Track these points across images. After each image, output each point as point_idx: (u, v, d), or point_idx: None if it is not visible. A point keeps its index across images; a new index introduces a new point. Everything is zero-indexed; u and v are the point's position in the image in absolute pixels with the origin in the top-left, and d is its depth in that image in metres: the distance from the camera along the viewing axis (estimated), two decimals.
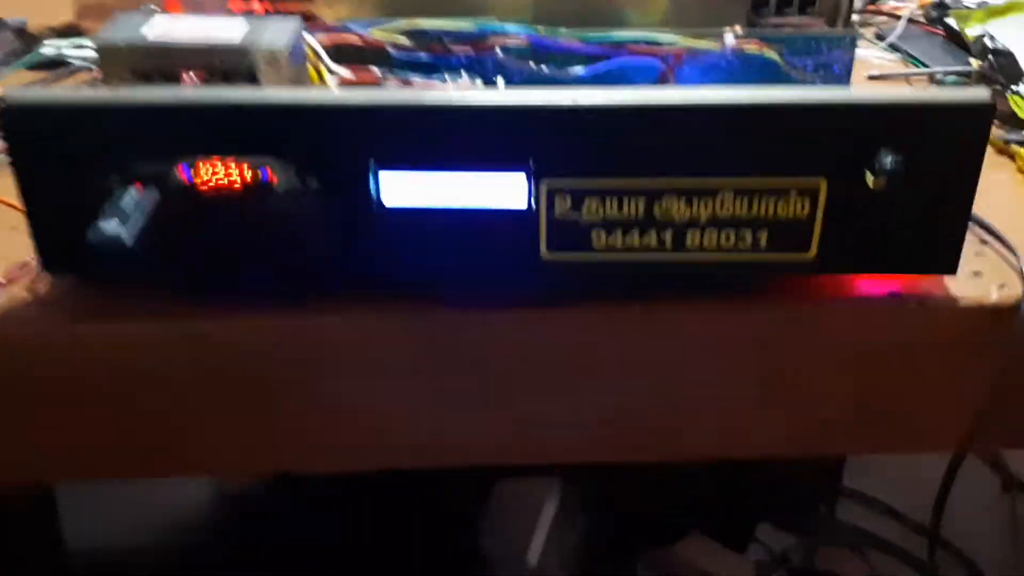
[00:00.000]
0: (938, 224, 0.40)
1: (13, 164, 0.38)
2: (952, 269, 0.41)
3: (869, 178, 0.37)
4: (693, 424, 0.46)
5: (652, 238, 0.40)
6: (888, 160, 0.37)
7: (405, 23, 0.48)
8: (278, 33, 0.43)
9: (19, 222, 0.46)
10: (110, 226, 0.35)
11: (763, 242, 0.40)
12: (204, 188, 0.38)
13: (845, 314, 0.42)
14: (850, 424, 0.46)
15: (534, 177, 0.38)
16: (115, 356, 0.41)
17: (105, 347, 0.41)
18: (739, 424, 0.46)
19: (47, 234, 0.40)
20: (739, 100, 0.37)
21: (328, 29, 0.48)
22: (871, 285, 0.42)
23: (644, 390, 0.44)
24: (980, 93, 0.37)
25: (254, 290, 0.40)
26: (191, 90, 0.38)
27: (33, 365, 0.41)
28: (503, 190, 0.39)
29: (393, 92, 0.37)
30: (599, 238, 0.40)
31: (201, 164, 0.38)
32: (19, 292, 0.42)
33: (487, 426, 0.45)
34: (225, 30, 0.43)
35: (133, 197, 0.37)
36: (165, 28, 0.44)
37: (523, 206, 0.39)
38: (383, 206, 0.39)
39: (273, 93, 0.39)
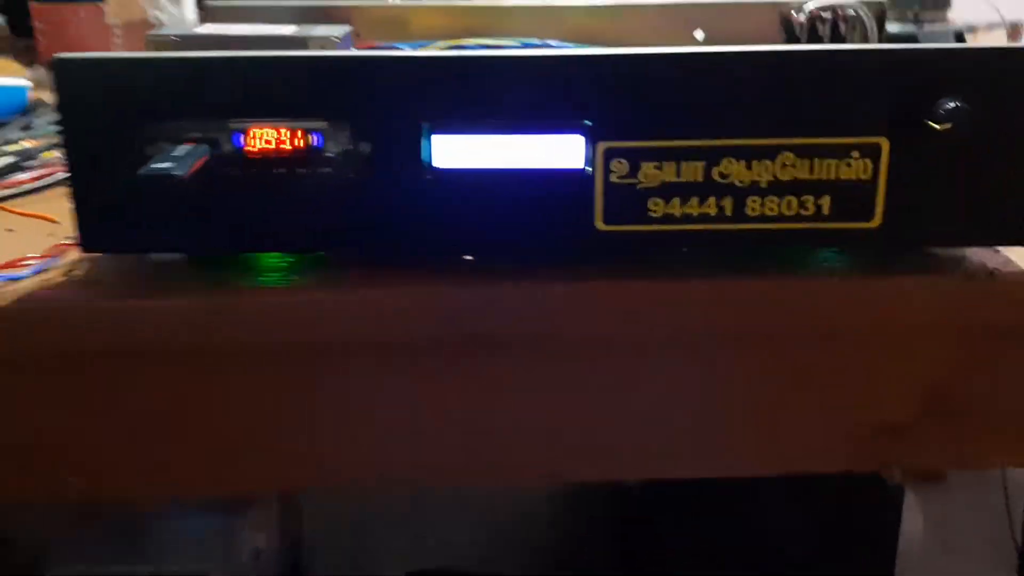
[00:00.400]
0: (1003, 189, 0.39)
1: (62, 129, 0.38)
2: (1021, 239, 0.39)
3: (933, 124, 0.37)
4: (743, 434, 0.43)
5: (711, 206, 0.39)
6: (950, 105, 0.36)
7: (450, 42, 0.49)
8: (330, 29, 0.44)
9: (54, 229, 0.45)
10: (163, 164, 0.34)
11: (826, 209, 0.39)
12: (256, 152, 0.38)
13: (909, 292, 0.40)
14: (920, 427, 0.43)
15: (591, 139, 0.38)
16: (139, 333, 0.39)
17: (128, 324, 0.39)
18: (794, 432, 0.43)
19: (90, 206, 0.39)
20: (796, 49, 0.37)
21: (374, 47, 0.49)
22: (937, 260, 0.41)
23: (685, 394, 0.42)
24: (1017, 32, 0.37)
25: (301, 253, 0.39)
26: (244, 51, 0.38)
27: (59, 342, 0.39)
28: (560, 153, 0.38)
29: (447, 46, 0.37)
30: (656, 206, 0.39)
31: (253, 128, 0.38)
32: (54, 274, 0.40)
33: (514, 435, 0.43)
34: (277, 28, 0.44)
35: (184, 148, 0.36)
36: (217, 28, 0.44)
37: (578, 165, 0.38)
38: (434, 167, 0.38)
39: (327, 52, 0.39)
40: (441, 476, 0.44)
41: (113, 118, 0.37)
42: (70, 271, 0.40)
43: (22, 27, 0.90)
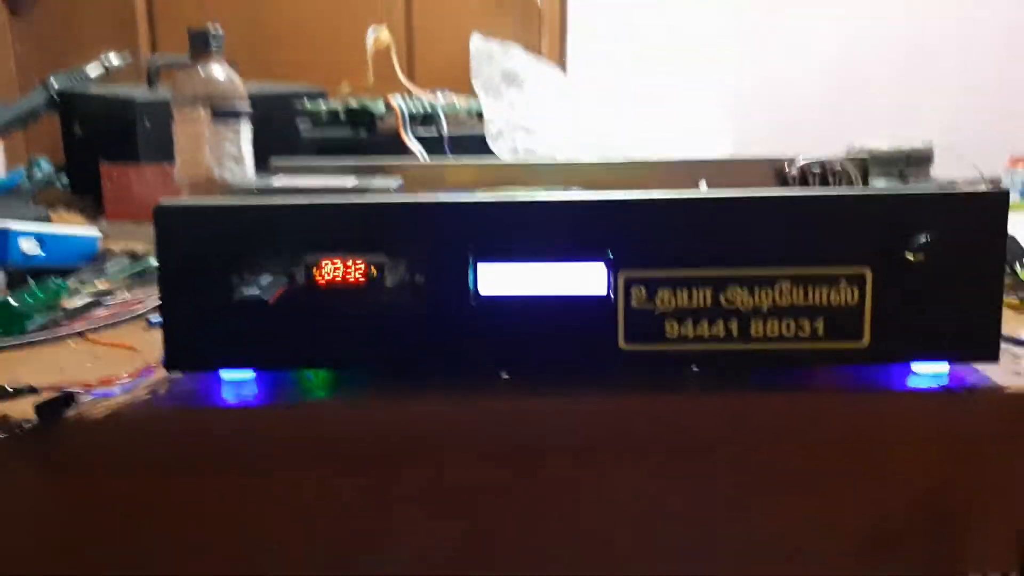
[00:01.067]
0: (975, 312, 0.44)
1: (159, 263, 0.44)
2: (994, 356, 0.45)
3: (909, 255, 0.43)
4: (750, 539, 0.48)
5: (720, 327, 0.44)
6: (923, 238, 0.42)
7: (488, 190, 0.55)
8: (387, 180, 0.51)
9: (133, 356, 0.51)
10: (253, 290, 0.40)
11: (820, 331, 0.44)
12: (325, 282, 0.44)
13: (897, 406, 0.45)
14: (913, 533, 0.47)
15: (613, 268, 0.44)
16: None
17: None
18: (800, 538, 0.47)
19: (176, 330, 0.44)
20: (789, 193, 0.44)
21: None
22: (920, 379, 0.46)
23: (691, 500, 0.47)
24: (997, 187, 0.44)
25: (361, 372, 0.45)
26: (317, 198, 0.44)
27: (144, 451, 0.44)
28: (586, 280, 0.44)
29: (489, 193, 0.44)
30: (672, 328, 0.44)
31: (324, 261, 0.44)
32: (141, 391, 0.46)
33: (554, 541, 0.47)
34: (340, 180, 0.51)
35: (268, 278, 0.42)
36: (288, 180, 0.51)
37: (603, 292, 0.44)
38: (479, 295, 0.44)
39: (387, 198, 0.46)
40: None
41: (203, 254, 0.44)
42: (155, 389, 0.46)
43: (83, 186, 0.98)
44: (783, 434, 0.46)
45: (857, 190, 0.46)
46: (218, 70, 0.68)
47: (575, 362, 0.45)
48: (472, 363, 0.45)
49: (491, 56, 0.75)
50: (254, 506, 0.46)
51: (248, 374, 0.46)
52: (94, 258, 0.70)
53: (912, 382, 0.46)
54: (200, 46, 0.69)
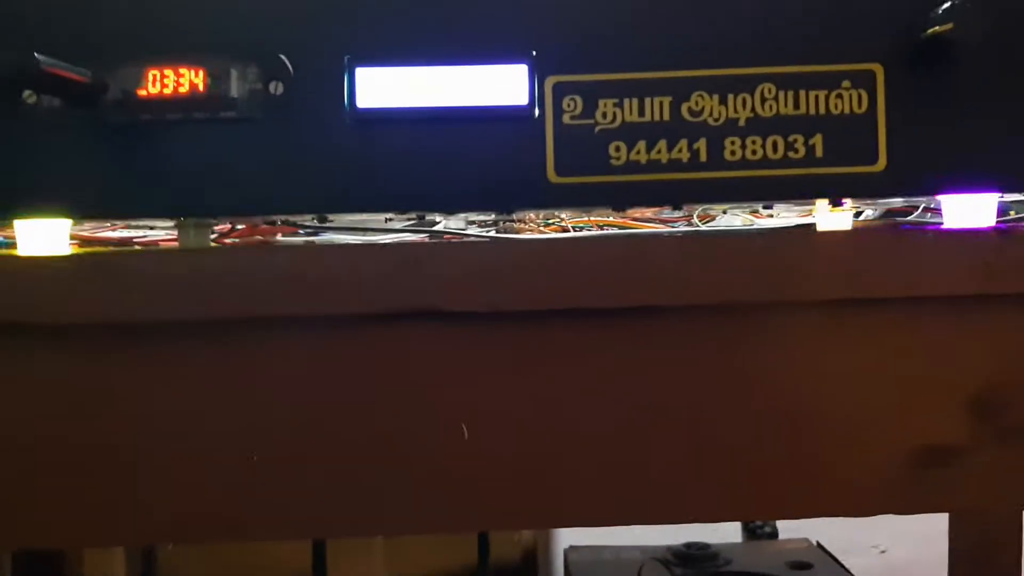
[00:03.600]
0: None
1: None
2: None
3: (933, 30, 0.31)
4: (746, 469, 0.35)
5: (683, 150, 0.33)
6: (948, 4, 0.31)
7: None
8: None
9: None
10: (51, 111, 0.29)
11: (819, 150, 0.33)
12: (149, 96, 0.33)
13: (934, 250, 0.33)
14: (970, 447, 0.34)
15: (537, 70, 0.33)
16: None
17: None
18: (811, 461, 0.35)
19: None
20: None
21: None
22: (963, 216, 0.34)
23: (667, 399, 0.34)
24: None
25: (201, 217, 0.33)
26: None
27: None
28: (500, 88, 0.33)
29: None
30: (618, 153, 0.33)
31: (148, 69, 0.33)
32: None
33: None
34: None
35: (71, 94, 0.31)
36: None
37: (524, 103, 0.32)
38: (358, 109, 0.32)
39: None
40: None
41: None
42: None
43: None
44: (767, 297, 0.33)
45: None
46: None
47: (488, 202, 0.33)
48: (352, 201, 0.33)
49: None
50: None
51: (61, 223, 0.34)
52: None
53: (947, 221, 0.34)
54: None
